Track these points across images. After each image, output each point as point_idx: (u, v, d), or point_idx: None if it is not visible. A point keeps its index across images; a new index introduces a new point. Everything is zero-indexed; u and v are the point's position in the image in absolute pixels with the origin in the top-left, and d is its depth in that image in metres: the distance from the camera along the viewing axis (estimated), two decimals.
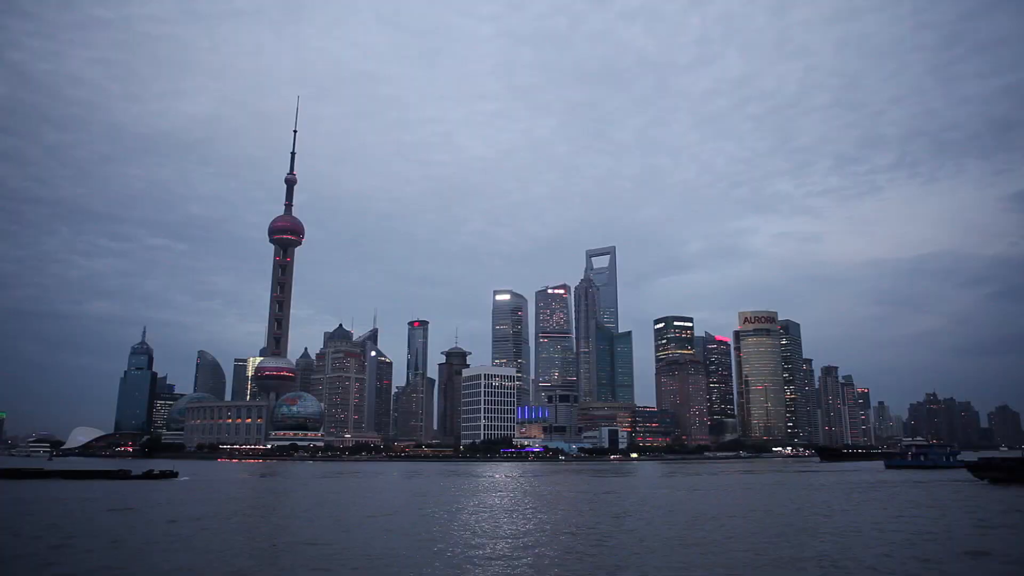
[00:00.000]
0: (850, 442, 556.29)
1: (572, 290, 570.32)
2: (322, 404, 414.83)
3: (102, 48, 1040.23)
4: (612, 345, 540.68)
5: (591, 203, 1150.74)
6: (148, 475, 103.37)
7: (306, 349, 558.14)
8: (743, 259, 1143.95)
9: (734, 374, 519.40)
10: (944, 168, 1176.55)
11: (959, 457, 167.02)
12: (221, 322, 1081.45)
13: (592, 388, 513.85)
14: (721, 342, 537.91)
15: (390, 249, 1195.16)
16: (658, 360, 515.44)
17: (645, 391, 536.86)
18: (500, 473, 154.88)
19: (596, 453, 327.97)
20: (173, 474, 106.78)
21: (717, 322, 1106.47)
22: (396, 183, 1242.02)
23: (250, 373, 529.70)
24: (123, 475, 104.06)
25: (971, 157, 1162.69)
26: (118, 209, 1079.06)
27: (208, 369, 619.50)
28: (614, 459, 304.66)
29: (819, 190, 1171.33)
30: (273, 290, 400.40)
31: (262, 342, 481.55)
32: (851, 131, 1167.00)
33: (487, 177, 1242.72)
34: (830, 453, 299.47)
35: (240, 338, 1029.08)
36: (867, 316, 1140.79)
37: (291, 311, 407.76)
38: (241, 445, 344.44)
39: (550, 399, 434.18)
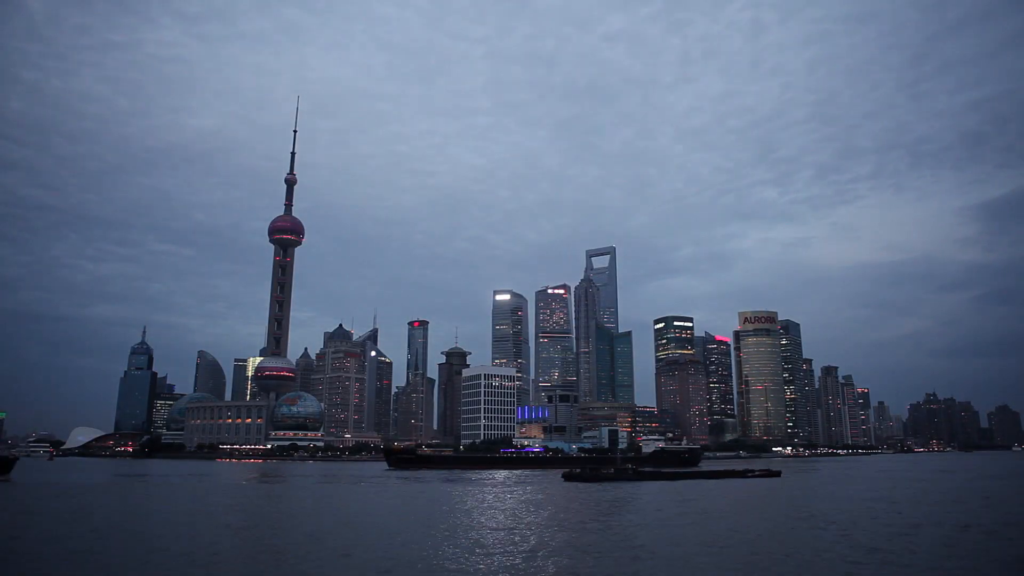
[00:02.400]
0: (850, 442, 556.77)
1: (572, 290, 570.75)
2: (322, 404, 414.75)
3: (113, 68, 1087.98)
4: (612, 345, 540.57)
5: (583, 211, 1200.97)
6: (759, 473, 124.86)
7: (306, 349, 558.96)
8: (733, 264, 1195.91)
9: (734, 374, 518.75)
10: (922, 179, 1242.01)
11: None
12: (223, 324, 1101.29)
13: (592, 388, 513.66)
14: (721, 342, 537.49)
15: (389, 255, 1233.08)
16: (658, 360, 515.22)
17: (645, 391, 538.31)
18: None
19: (596, 453, 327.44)
20: (776, 473, 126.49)
21: (706, 327, 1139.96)
22: (393, 192, 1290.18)
23: (250, 373, 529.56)
24: (743, 475, 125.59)
25: (946, 168, 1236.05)
26: (126, 216, 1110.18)
27: (208, 369, 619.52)
28: None
29: (803, 197, 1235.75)
30: (273, 290, 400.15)
31: (262, 342, 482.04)
32: (829, 143, 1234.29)
33: (482, 186, 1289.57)
34: (398, 457, 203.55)
35: (241, 339, 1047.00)
36: (854, 318, 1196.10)
37: (291, 314, 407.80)
38: (241, 445, 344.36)
39: (550, 399, 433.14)
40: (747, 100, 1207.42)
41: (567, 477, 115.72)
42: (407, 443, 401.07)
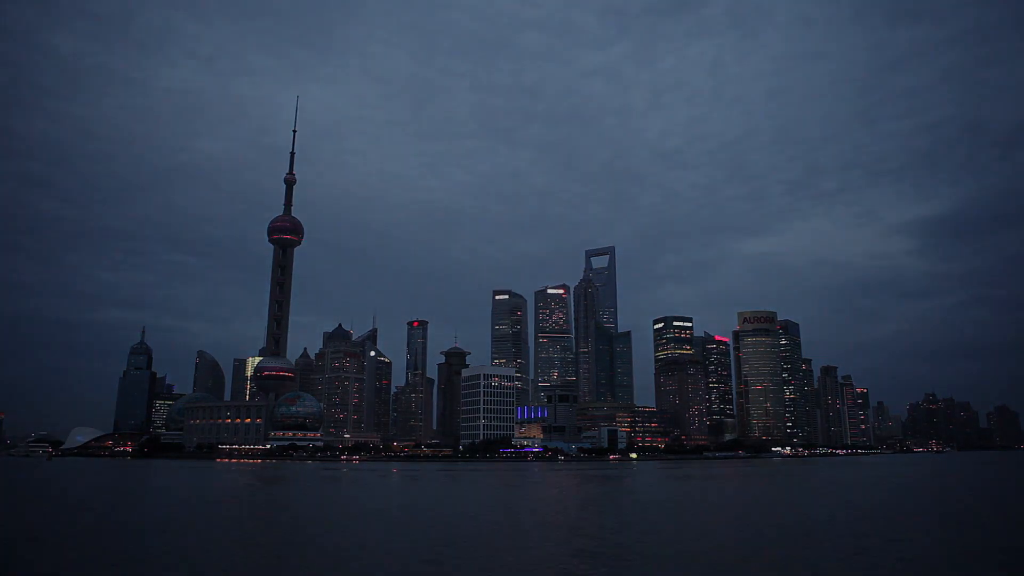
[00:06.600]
0: (849, 442, 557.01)
1: (572, 290, 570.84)
2: (321, 404, 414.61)
3: (130, 97, 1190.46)
4: (611, 345, 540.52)
5: (570, 223, 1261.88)
6: None
7: (305, 349, 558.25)
8: (713, 273, 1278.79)
9: (733, 374, 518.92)
10: (884, 195, 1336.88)
11: None
12: (226, 327, 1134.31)
13: (591, 388, 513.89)
14: (720, 342, 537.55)
15: (387, 264, 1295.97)
16: (657, 360, 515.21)
17: (645, 391, 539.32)
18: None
19: (595, 453, 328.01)
20: None
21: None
22: (388, 206, 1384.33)
23: (249, 373, 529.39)
24: None
25: (905, 184, 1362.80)
26: (139, 229, 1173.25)
27: (207, 369, 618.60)
28: (613, 459, 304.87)
29: (775, 211, 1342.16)
30: (272, 290, 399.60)
31: (261, 343, 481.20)
32: (795, 162, 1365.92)
33: (473, 201, 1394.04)
34: None
35: (240, 340, 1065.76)
36: (836, 321, 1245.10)
37: (291, 317, 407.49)
38: (240, 445, 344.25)
39: (549, 399, 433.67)
40: (714, 126, 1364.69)
41: None
42: (407, 443, 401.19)
